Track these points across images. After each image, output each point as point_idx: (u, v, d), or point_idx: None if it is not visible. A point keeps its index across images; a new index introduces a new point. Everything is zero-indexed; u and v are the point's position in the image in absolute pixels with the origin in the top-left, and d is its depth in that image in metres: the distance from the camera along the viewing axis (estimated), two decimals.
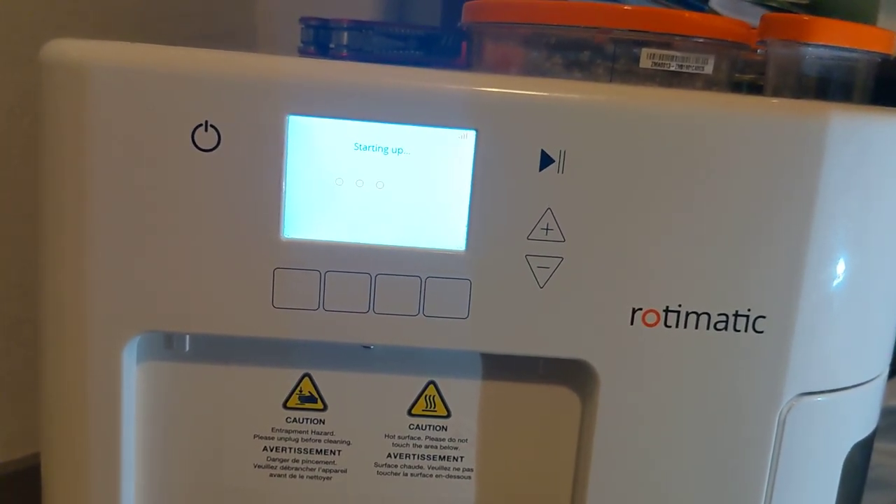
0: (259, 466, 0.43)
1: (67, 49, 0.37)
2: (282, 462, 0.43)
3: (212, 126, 0.37)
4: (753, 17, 0.54)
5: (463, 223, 0.39)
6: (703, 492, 0.43)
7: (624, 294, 0.40)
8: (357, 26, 0.53)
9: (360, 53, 0.53)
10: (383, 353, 0.42)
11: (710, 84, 0.45)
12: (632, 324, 0.40)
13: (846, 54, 0.44)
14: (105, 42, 0.37)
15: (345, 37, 0.53)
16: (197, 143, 0.37)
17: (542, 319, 0.40)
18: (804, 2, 0.57)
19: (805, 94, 0.44)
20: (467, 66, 0.51)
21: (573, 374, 0.42)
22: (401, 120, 0.38)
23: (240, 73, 0.37)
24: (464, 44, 0.55)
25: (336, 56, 0.53)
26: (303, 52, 0.54)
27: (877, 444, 0.49)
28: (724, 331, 0.41)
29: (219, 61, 0.37)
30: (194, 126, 0.37)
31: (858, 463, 0.47)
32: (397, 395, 0.43)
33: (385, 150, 0.38)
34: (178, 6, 0.79)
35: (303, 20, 0.54)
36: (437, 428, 0.44)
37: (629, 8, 0.43)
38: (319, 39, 0.53)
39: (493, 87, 0.38)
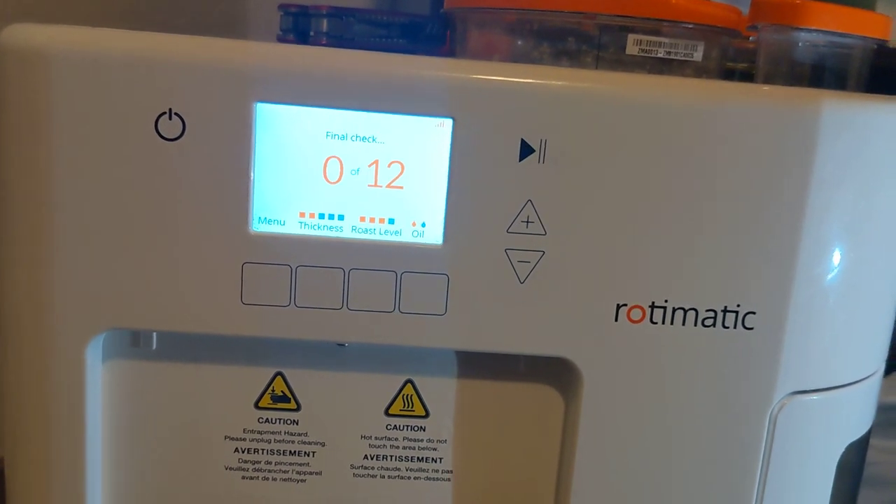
0: (230, 469, 0.42)
1: (26, 34, 0.36)
2: (254, 464, 0.42)
3: (176, 114, 0.36)
4: (746, 3, 0.53)
5: (440, 216, 0.38)
6: (691, 493, 0.42)
7: (608, 289, 0.39)
8: (337, 13, 0.51)
9: (340, 41, 0.51)
10: (358, 350, 0.41)
11: (699, 72, 0.44)
12: (616, 320, 0.39)
13: (841, 40, 0.42)
14: (65, 27, 0.36)
15: (324, 24, 0.51)
16: (161, 131, 0.36)
17: (522, 316, 0.39)
18: None
19: (798, 82, 0.43)
20: (451, 54, 0.50)
21: (555, 373, 0.41)
22: (374, 108, 0.37)
23: (205, 59, 0.36)
24: (448, 31, 0.53)
25: (316, 44, 0.51)
26: (282, 40, 0.53)
27: (873, 441, 0.48)
28: (712, 327, 0.39)
29: (183, 46, 0.36)
30: (158, 114, 0.36)
31: (853, 463, 0.46)
32: (373, 395, 0.42)
33: (358, 139, 0.37)
34: None
35: (281, 7, 0.52)
36: (416, 428, 0.42)
37: None
38: (298, 27, 0.52)
39: (470, 73, 0.37)
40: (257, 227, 0.37)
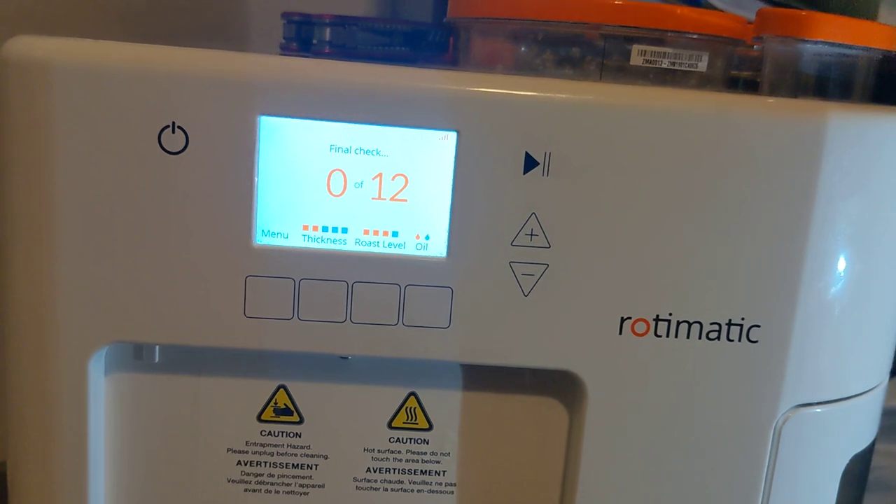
0: (233, 481, 0.42)
1: (29, 46, 0.35)
2: (256, 477, 0.42)
3: (179, 127, 0.36)
4: (752, 11, 0.52)
5: (444, 229, 0.37)
6: None
7: (612, 302, 0.38)
8: (340, 21, 0.51)
9: (343, 50, 0.51)
10: (362, 363, 0.41)
11: (704, 82, 0.43)
12: (620, 333, 0.39)
13: (846, 51, 0.42)
14: (68, 39, 0.36)
15: (327, 33, 0.51)
16: (164, 145, 0.36)
17: (526, 329, 0.38)
18: None
19: (803, 93, 0.42)
20: (454, 62, 0.50)
21: (560, 386, 0.41)
22: (378, 121, 0.36)
23: (208, 72, 0.35)
24: (451, 40, 0.53)
25: (319, 53, 0.51)
26: (284, 49, 0.52)
27: (877, 446, 0.48)
28: (716, 340, 0.39)
29: (187, 59, 0.36)
30: (161, 127, 0.35)
31: (857, 474, 0.46)
32: (376, 408, 0.42)
33: (361, 152, 0.37)
34: (169, 1, 0.77)
35: (284, 15, 0.52)
36: (419, 441, 0.42)
37: (619, 2, 0.41)
38: (301, 35, 0.52)
39: (474, 86, 0.36)
40: (261, 240, 0.37)
